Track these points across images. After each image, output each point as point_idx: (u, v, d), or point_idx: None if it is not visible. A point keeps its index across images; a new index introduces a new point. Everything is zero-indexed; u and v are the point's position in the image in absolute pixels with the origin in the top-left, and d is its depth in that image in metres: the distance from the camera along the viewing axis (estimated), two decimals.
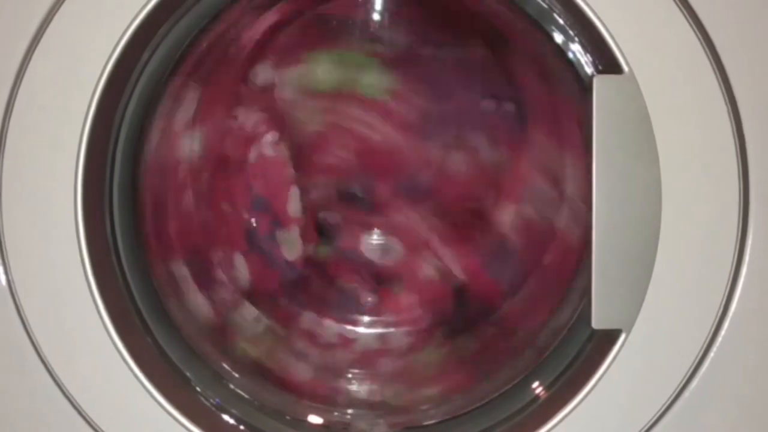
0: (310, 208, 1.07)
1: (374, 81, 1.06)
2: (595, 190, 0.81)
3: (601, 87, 0.80)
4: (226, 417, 0.91)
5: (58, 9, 0.81)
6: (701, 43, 0.80)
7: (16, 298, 0.82)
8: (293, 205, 1.06)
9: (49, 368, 0.83)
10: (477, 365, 1.04)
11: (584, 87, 0.88)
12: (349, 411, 1.00)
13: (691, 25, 0.80)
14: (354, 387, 1.05)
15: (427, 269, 1.07)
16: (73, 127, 0.81)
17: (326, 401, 1.01)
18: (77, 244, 0.82)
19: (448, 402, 0.98)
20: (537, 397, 0.91)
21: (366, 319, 1.08)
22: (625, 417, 0.83)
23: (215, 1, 0.93)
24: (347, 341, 1.08)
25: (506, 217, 1.06)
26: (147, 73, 0.90)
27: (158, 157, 0.99)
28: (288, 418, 0.96)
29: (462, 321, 1.07)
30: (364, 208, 1.08)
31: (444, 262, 1.07)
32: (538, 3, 0.90)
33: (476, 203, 1.07)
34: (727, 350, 0.83)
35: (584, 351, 0.88)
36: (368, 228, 1.07)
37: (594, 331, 0.84)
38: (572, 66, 0.90)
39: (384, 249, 1.08)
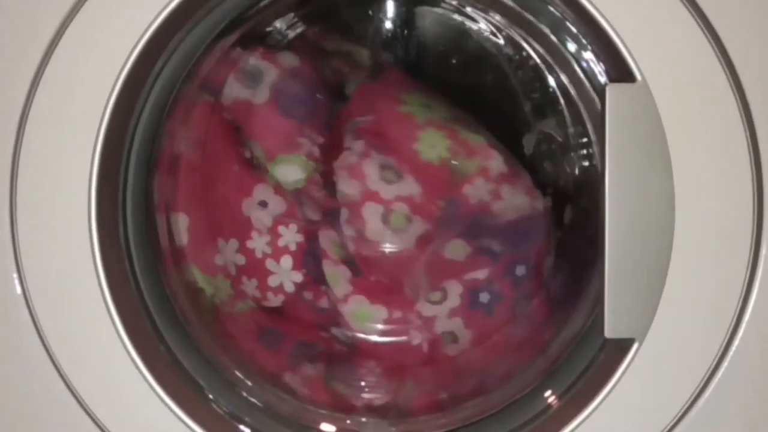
0: None
1: None
2: (608, 198, 0.81)
3: (614, 95, 0.80)
4: (238, 425, 0.91)
5: (73, 18, 0.81)
6: (714, 51, 0.80)
7: (31, 307, 0.83)
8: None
9: (64, 376, 0.83)
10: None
11: (597, 95, 0.89)
12: (362, 419, 1.01)
13: (704, 33, 0.80)
14: (367, 395, 1.06)
15: None
16: (87, 135, 0.82)
17: (339, 409, 1.01)
18: (91, 252, 0.82)
19: (461, 410, 0.98)
20: (549, 406, 0.91)
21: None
22: (637, 427, 0.83)
23: (228, 10, 0.93)
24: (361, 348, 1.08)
25: None
26: (161, 82, 0.90)
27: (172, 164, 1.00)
28: (300, 425, 0.96)
29: None
30: None
31: None
32: (552, 12, 0.90)
33: None
34: (740, 360, 0.82)
35: (597, 360, 0.88)
36: None
37: (606, 340, 0.84)
38: (585, 74, 0.90)
39: None
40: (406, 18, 1.14)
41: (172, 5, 0.81)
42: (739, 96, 0.80)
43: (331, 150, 1.08)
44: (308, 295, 1.08)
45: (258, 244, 1.06)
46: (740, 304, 0.81)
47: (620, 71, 0.81)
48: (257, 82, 1.05)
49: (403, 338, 1.08)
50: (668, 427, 0.82)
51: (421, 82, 1.12)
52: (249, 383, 0.98)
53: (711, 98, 0.80)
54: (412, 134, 1.06)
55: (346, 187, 1.06)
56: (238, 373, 0.98)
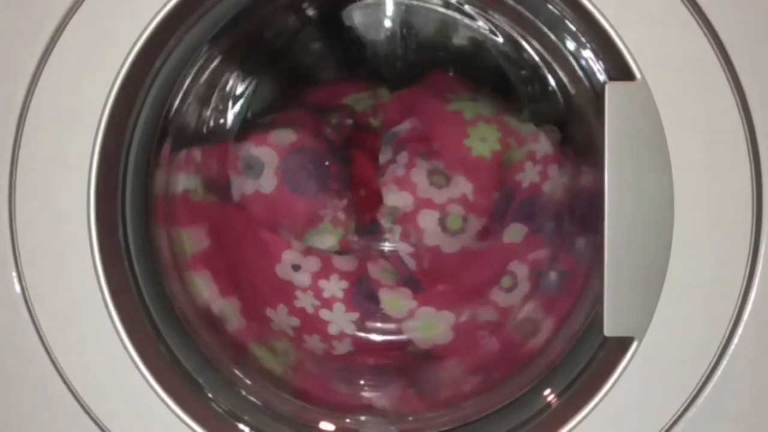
0: None
1: None
2: (608, 196, 0.81)
3: (614, 94, 0.80)
4: (238, 423, 0.91)
5: (71, 17, 0.81)
6: (713, 50, 0.80)
7: (30, 306, 0.83)
8: None
9: (63, 375, 0.83)
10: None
11: (596, 94, 0.88)
12: (361, 418, 1.01)
13: (703, 31, 0.80)
14: (366, 394, 1.06)
15: None
16: (85, 135, 0.82)
17: (338, 408, 1.01)
18: (90, 251, 0.82)
19: (461, 409, 0.98)
20: (549, 404, 0.91)
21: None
22: (637, 425, 0.83)
23: (226, 9, 0.93)
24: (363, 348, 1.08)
25: None
26: (159, 81, 0.90)
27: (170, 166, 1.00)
28: (300, 424, 0.96)
29: None
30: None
31: None
32: (551, 10, 0.90)
33: None
34: (740, 358, 0.82)
35: (596, 358, 0.88)
36: None
37: (606, 339, 0.84)
38: (584, 73, 0.90)
39: None
40: (403, 17, 1.14)
41: (171, 4, 0.81)
42: (738, 94, 0.80)
43: (362, 170, 1.08)
44: (371, 323, 1.08)
45: (305, 301, 1.06)
46: (739, 301, 0.81)
47: (619, 69, 0.81)
48: (260, 172, 1.04)
49: (473, 336, 1.07)
50: (668, 425, 0.82)
51: (464, 81, 1.12)
52: (248, 382, 0.98)
53: (710, 96, 0.80)
54: (463, 131, 1.05)
55: (396, 200, 1.05)
56: (237, 372, 0.98)
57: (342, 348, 1.07)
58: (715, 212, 0.81)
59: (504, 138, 1.05)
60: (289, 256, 1.05)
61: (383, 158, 1.08)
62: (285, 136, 1.05)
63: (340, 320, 1.06)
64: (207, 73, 1.01)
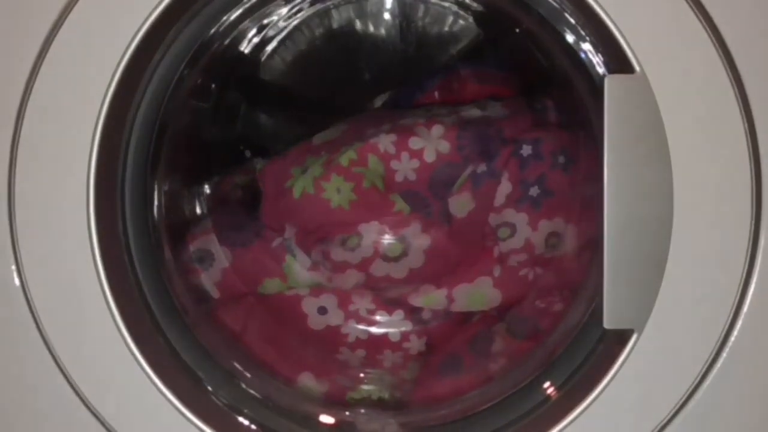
0: None
1: None
2: (607, 189, 0.81)
3: (613, 87, 0.80)
4: (238, 417, 0.91)
5: (69, 11, 0.81)
6: (713, 43, 0.80)
7: (30, 299, 0.83)
8: None
9: (62, 368, 0.83)
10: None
11: (595, 87, 0.88)
12: (361, 411, 1.01)
13: (702, 24, 0.80)
14: (365, 386, 1.06)
15: None
16: (85, 128, 0.81)
17: (338, 401, 1.02)
18: (89, 245, 0.82)
19: (460, 402, 0.98)
20: (548, 397, 0.91)
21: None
22: (636, 417, 0.83)
23: (226, 1, 0.93)
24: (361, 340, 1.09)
25: None
26: (159, 74, 0.90)
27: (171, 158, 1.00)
28: (300, 417, 0.96)
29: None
30: None
31: None
32: (550, 2, 0.90)
33: None
34: (739, 350, 0.82)
35: (596, 351, 0.88)
36: None
37: (605, 331, 0.84)
38: (583, 66, 0.90)
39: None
40: (403, 10, 1.14)
41: None
42: (737, 86, 0.80)
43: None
44: (418, 315, 1.09)
45: (356, 333, 1.08)
46: (739, 294, 0.82)
47: (619, 62, 0.81)
48: (212, 259, 1.07)
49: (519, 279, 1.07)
50: (667, 418, 0.82)
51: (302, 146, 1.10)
52: (248, 375, 0.98)
53: (709, 89, 0.80)
54: (316, 199, 1.05)
55: (344, 284, 1.06)
56: (237, 365, 0.98)
57: (418, 345, 1.08)
58: (715, 204, 0.81)
59: (347, 174, 1.04)
60: (307, 304, 1.07)
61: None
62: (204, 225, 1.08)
63: (394, 326, 1.08)
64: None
